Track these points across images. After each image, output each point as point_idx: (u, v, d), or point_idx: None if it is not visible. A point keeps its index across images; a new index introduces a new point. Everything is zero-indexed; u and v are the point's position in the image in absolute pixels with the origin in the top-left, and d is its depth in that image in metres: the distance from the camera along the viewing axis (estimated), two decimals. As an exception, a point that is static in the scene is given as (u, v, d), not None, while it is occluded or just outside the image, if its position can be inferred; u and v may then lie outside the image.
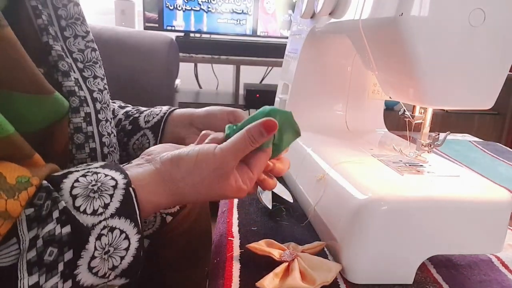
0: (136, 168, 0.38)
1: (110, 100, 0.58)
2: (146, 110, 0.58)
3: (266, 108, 0.41)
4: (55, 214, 0.30)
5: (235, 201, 0.57)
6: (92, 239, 0.31)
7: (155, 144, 0.54)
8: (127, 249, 0.32)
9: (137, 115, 0.57)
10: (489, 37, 0.39)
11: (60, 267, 0.29)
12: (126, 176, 0.35)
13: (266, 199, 0.54)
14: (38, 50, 0.40)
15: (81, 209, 0.31)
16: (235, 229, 0.49)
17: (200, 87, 2.10)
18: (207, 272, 0.67)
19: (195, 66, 2.03)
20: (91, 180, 0.33)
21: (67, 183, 0.32)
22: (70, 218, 0.30)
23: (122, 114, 0.58)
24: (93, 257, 0.31)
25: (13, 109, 0.34)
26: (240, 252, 0.44)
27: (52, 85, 0.38)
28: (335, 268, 0.40)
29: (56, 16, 0.44)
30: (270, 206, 0.53)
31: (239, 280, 0.39)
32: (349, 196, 0.42)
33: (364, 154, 0.53)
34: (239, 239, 0.47)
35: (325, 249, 0.46)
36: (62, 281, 0.29)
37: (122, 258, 0.32)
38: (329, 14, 0.57)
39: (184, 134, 0.55)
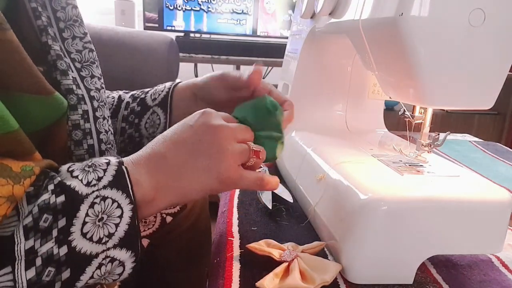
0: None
1: (115, 91, 0.60)
2: (150, 90, 0.60)
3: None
4: (51, 186, 0.32)
5: (235, 201, 0.57)
6: (84, 207, 0.32)
7: (166, 120, 0.56)
8: (120, 216, 0.34)
9: (143, 96, 0.59)
10: (489, 37, 0.39)
11: (54, 233, 0.31)
12: (119, 157, 0.37)
13: (266, 199, 0.54)
14: (38, 49, 0.41)
15: (78, 178, 0.34)
16: (235, 229, 0.49)
17: (200, 87, 2.09)
18: (207, 272, 0.67)
19: (195, 66, 2.03)
20: (87, 161, 0.36)
21: (64, 166, 0.35)
22: (65, 189, 0.32)
23: (129, 98, 0.59)
24: (84, 223, 0.32)
25: (16, 109, 0.35)
26: (240, 252, 0.44)
27: (51, 84, 0.38)
28: (335, 268, 0.40)
29: (55, 18, 0.45)
30: (270, 206, 0.53)
31: (239, 280, 0.39)
32: (349, 196, 0.42)
33: (364, 154, 0.53)
34: (239, 239, 0.47)
35: (325, 249, 0.45)
36: (57, 246, 0.31)
37: (117, 225, 0.33)
38: (329, 14, 0.57)
39: (192, 107, 0.55)
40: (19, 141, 0.33)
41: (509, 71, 0.42)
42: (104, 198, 0.33)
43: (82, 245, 0.32)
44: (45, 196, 0.31)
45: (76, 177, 0.34)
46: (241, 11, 1.74)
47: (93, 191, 0.33)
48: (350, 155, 0.53)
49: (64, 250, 0.31)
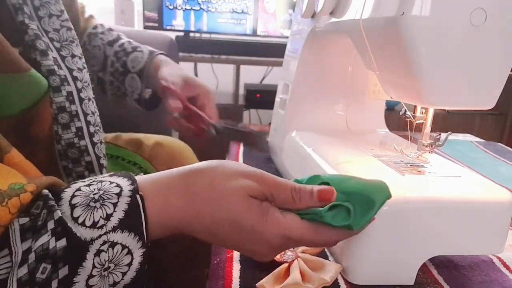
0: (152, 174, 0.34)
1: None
2: (132, 52, 0.67)
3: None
4: (50, 225, 0.27)
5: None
6: (89, 255, 0.28)
7: (142, 85, 0.65)
8: (129, 264, 0.29)
9: (124, 58, 0.66)
10: (491, 37, 0.39)
11: (54, 284, 0.27)
12: (133, 182, 0.31)
13: None
14: (13, 29, 0.39)
15: (80, 220, 0.28)
16: (235, 229, 0.49)
17: (200, 87, 2.09)
18: (207, 272, 0.67)
19: (195, 66, 2.03)
20: (94, 189, 0.30)
21: (68, 192, 0.30)
22: (66, 230, 0.27)
23: (113, 56, 0.67)
24: (91, 276, 0.28)
25: None
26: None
27: (30, 65, 0.36)
28: (335, 268, 0.40)
29: None
30: None
31: (239, 281, 0.39)
32: (350, 197, 0.42)
33: (365, 154, 0.53)
34: (239, 239, 0.47)
35: (326, 250, 0.45)
36: None
37: (124, 274, 0.29)
38: (330, 13, 0.57)
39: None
40: None
41: (511, 71, 0.41)
42: (112, 245, 0.28)
43: None
44: (43, 239, 0.27)
45: (77, 218, 0.28)
46: (241, 10, 1.74)
47: (99, 236, 0.28)
48: (350, 155, 0.53)
49: None
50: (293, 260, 0.40)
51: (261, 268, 0.41)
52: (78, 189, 0.30)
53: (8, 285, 0.26)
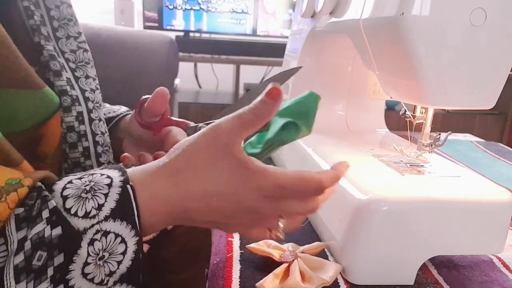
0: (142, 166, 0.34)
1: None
2: (110, 107, 0.59)
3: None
4: (45, 213, 0.28)
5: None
6: (84, 244, 0.28)
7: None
8: (124, 253, 0.29)
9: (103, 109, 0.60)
10: (491, 37, 0.39)
11: (50, 271, 0.27)
12: (124, 173, 0.32)
13: None
14: (31, 49, 0.40)
15: (72, 211, 0.29)
16: (235, 229, 0.49)
17: (200, 87, 2.09)
18: (207, 273, 0.67)
19: (195, 65, 2.03)
20: (85, 181, 0.31)
21: (59, 184, 0.30)
22: (61, 219, 0.28)
23: None
24: (86, 263, 0.28)
25: (2, 106, 0.34)
26: (240, 252, 0.44)
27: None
28: (335, 268, 0.40)
29: (48, 17, 0.44)
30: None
31: (239, 281, 0.39)
32: (350, 197, 0.42)
33: (365, 154, 0.53)
34: (239, 239, 0.47)
35: (325, 250, 0.45)
36: (52, 286, 0.27)
37: (119, 263, 0.29)
38: (330, 13, 0.57)
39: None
40: (4, 151, 0.30)
41: (511, 71, 0.41)
42: (105, 233, 0.29)
43: (81, 284, 0.28)
44: (39, 227, 0.28)
45: (70, 209, 0.29)
46: (241, 10, 1.74)
47: (92, 225, 0.29)
48: (350, 155, 0.53)
49: None
50: (293, 260, 0.40)
51: (261, 268, 0.41)
52: (70, 182, 0.31)
53: (5, 273, 0.26)
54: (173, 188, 0.32)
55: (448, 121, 2.01)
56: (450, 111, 2.01)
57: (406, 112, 0.49)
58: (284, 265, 0.40)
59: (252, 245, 0.43)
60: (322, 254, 0.44)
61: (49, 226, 0.28)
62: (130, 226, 0.30)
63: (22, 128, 0.36)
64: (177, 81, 1.41)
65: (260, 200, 0.32)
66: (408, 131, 0.50)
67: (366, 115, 0.70)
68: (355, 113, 0.70)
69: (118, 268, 0.29)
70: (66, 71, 0.43)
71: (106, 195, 0.30)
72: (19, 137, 0.33)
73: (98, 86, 0.48)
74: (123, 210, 0.30)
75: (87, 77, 0.46)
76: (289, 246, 0.43)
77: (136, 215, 0.30)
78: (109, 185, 0.30)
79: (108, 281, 0.29)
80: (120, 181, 0.31)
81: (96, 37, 1.19)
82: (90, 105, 0.45)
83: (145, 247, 0.57)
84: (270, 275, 0.38)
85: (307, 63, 0.68)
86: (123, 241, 0.29)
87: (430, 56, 0.39)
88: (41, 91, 0.37)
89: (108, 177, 0.31)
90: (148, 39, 1.26)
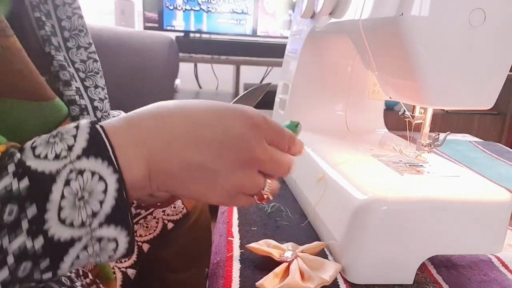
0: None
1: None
2: (111, 112, 0.58)
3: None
4: (11, 167, 0.27)
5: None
6: (57, 187, 0.27)
7: None
8: (104, 191, 0.28)
9: None
10: (490, 37, 0.39)
11: (24, 224, 0.26)
12: (92, 120, 0.31)
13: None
14: (41, 59, 0.41)
15: (42, 156, 0.28)
16: (235, 229, 0.49)
17: (200, 87, 2.10)
18: (207, 273, 0.67)
19: (195, 66, 2.03)
20: (53, 132, 0.30)
21: (28, 142, 0.29)
22: (27, 170, 0.27)
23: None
24: (60, 208, 0.27)
25: (12, 116, 0.34)
26: (240, 252, 0.44)
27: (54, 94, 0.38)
28: (335, 268, 0.40)
29: (59, 27, 0.45)
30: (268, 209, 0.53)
31: (239, 280, 0.39)
32: (349, 196, 0.42)
33: (364, 154, 0.53)
34: (239, 239, 0.47)
35: (325, 249, 0.45)
36: (30, 239, 0.26)
37: (101, 202, 0.28)
38: (329, 14, 0.57)
39: None
40: None
41: (510, 71, 0.42)
42: (80, 172, 0.27)
43: (61, 232, 0.27)
44: (5, 181, 0.27)
45: (39, 155, 0.28)
46: (241, 11, 1.74)
47: (65, 165, 0.27)
48: (350, 155, 0.53)
49: (39, 241, 0.27)
50: (292, 260, 0.40)
51: (261, 267, 0.41)
52: (39, 136, 0.30)
53: None
54: (152, 117, 0.31)
55: (447, 121, 2.01)
56: (449, 111, 2.02)
57: (405, 112, 0.50)
58: (284, 265, 0.40)
59: (252, 244, 0.43)
60: (321, 254, 0.44)
61: (15, 178, 0.27)
62: (106, 162, 0.28)
63: (30, 138, 0.36)
64: (177, 81, 1.41)
65: (248, 128, 0.33)
66: (407, 131, 0.50)
67: (366, 115, 0.71)
68: (354, 113, 0.70)
69: (101, 207, 0.28)
70: (76, 81, 0.44)
71: (75, 136, 0.29)
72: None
73: (107, 96, 0.49)
74: (96, 147, 0.29)
75: (96, 86, 0.47)
76: (288, 245, 0.44)
77: (110, 151, 0.29)
78: (77, 127, 0.29)
79: (92, 222, 0.28)
80: (88, 122, 0.30)
81: (96, 37, 1.19)
82: (99, 114, 0.46)
83: (145, 247, 0.57)
84: (270, 275, 0.38)
85: (306, 63, 0.69)
86: (101, 179, 0.28)
87: (429, 56, 0.39)
88: (51, 103, 0.38)
89: (75, 122, 0.30)
90: (148, 40, 1.26)
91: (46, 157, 0.28)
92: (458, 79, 0.41)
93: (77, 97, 0.43)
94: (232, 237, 0.47)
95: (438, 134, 0.47)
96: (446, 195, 0.41)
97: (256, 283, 0.38)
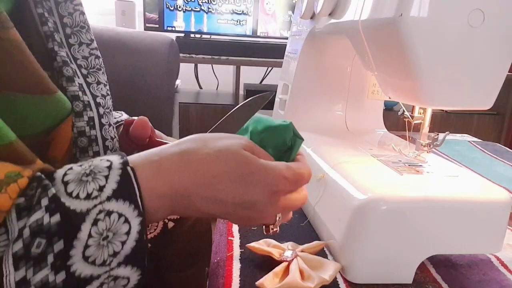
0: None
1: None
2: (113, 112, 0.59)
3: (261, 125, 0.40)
4: (44, 201, 0.28)
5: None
6: (85, 226, 0.28)
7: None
8: (128, 233, 0.29)
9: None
10: (488, 38, 0.39)
11: (50, 258, 0.27)
12: (123, 156, 0.32)
13: None
14: (44, 55, 0.41)
15: (74, 194, 0.29)
16: (235, 229, 0.49)
17: (201, 88, 2.10)
18: (207, 272, 0.68)
19: (196, 66, 2.03)
20: (85, 167, 0.31)
21: (60, 172, 0.31)
22: (60, 206, 0.28)
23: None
24: (87, 246, 0.28)
25: (15, 110, 0.35)
26: (240, 252, 0.44)
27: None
28: (334, 267, 0.40)
29: (61, 24, 0.45)
30: None
31: (239, 280, 0.39)
32: (349, 196, 0.42)
33: (364, 154, 0.53)
34: (239, 239, 0.47)
35: (325, 249, 0.46)
36: (53, 273, 0.27)
37: (123, 243, 0.29)
38: (329, 14, 0.57)
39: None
40: (18, 152, 0.30)
41: (508, 72, 0.42)
42: (108, 213, 0.29)
43: (83, 269, 0.28)
44: (37, 215, 0.28)
45: (71, 193, 0.29)
46: (241, 11, 1.74)
47: (95, 205, 0.29)
48: (349, 155, 0.53)
49: (61, 276, 0.27)
50: (292, 259, 0.40)
51: (261, 267, 0.41)
52: (70, 168, 0.31)
53: (4, 260, 0.27)
54: (178, 169, 0.32)
55: (446, 121, 2.01)
56: (448, 112, 2.02)
57: (405, 113, 0.50)
58: (284, 264, 0.40)
59: (252, 244, 0.43)
60: (321, 253, 0.44)
61: (48, 213, 0.28)
62: (133, 206, 0.30)
63: (34, 132, 0.36)
64: (177, 82, 1.41)
65: (266, 196, 0.34)
66: (407, 131, 0.50)
67: (365, 115, 0.71)
68: (354, 113, 0.70)
69: (122, 248, 0.29)
70: (78, 77, 0.44)
71: (106, 177, 0.30)
72: (30, 141, 0.33)
73: (109, 92, 0.49)
74: (125, 190, 0.30)
75: (98, 83, 0.47)
76: (288, 245, 0.44)
77: (138, 195, 0.30)
78: (109, 168, 0.30)
79: (111, 261, 0.29)
80: (120, 163, 0.31)
81: (97, 38, 1.18)
82: (101, 110, 0.46)
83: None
84: (270, 274, 0.39)
85: (306, 64, 0.69)
86: (126, 221, 0.29)
87: (428, 57, 0.39)
88: (53, 96, 0.38)
89: (108, 161, 0.31)
90: (149, 40, 1.26)
91: (78, 196, 0.29)
92: (457, 79, 0.41)
93: (80, 93, 0.43)
94: (232, 236, 0.47)
95: (437, 134, 0.47)
96: (445, 195, 0.41)
97: (256, 283, 0.38)
